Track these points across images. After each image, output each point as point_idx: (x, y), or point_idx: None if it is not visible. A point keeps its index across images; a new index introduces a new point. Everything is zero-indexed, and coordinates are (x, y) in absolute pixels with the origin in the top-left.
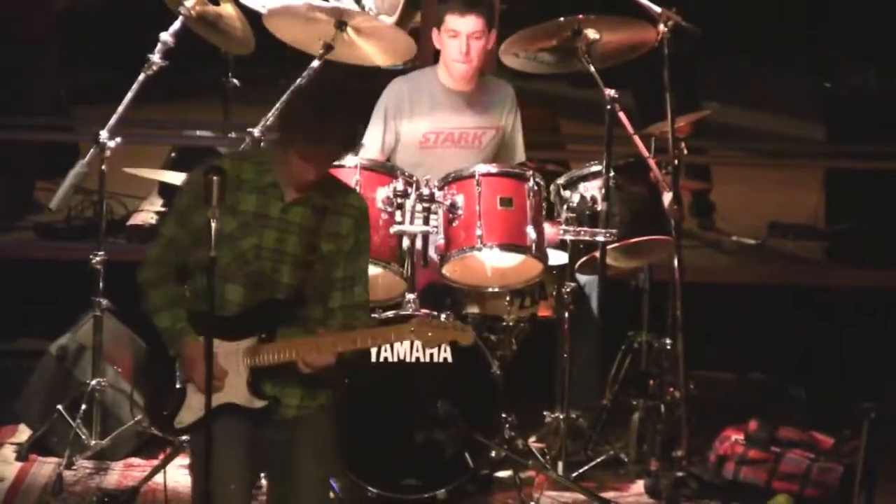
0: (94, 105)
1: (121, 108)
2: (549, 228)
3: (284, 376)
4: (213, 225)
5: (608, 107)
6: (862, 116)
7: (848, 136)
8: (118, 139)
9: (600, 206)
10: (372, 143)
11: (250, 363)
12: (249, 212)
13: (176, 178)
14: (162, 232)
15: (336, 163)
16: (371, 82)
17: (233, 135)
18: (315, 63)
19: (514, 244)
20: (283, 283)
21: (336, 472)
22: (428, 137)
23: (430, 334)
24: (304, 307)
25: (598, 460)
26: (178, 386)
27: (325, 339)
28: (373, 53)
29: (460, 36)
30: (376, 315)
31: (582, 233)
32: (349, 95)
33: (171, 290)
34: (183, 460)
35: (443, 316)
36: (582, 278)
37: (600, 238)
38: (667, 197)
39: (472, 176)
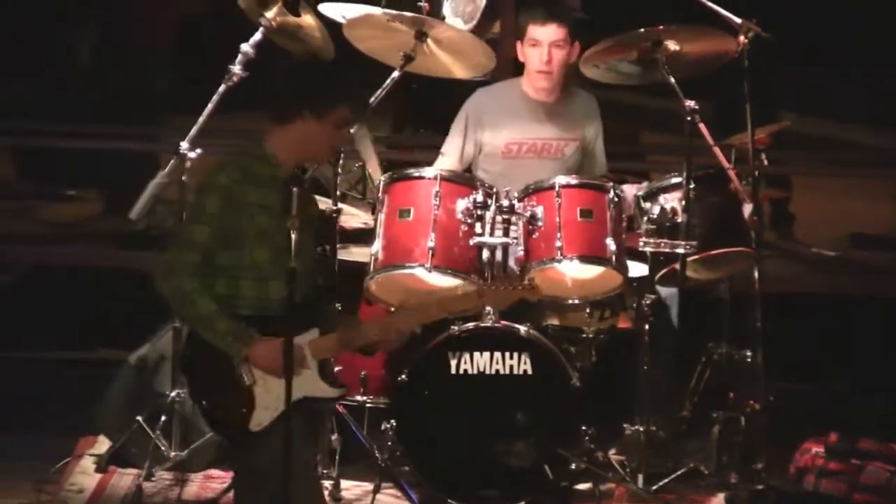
0: (177, 114)
1: (201, 119)
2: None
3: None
4: (294, 236)
5: (688, 118)
6: None
7: None
8: (198, 150)
9: (680, 218)
10: (451, 153)
11: (317, 355)
12: (276, 207)
13: None
14: (193, 238)
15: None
16: (452, 93)
17: None
18: (395, 74)
19: (594, 256)
20: (310, 272)
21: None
22: (511, 148)
23: (496, 297)
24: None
25: (678, 473)
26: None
27: (399, 317)
28: (452, 65)
29: (541, 45)
30: (455, 327)
31: (662, 244)
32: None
33: (212, 297)
34: None
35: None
36: (662, 290)
37: (680, 250)
38: (747, 208)
39: (552, 187)
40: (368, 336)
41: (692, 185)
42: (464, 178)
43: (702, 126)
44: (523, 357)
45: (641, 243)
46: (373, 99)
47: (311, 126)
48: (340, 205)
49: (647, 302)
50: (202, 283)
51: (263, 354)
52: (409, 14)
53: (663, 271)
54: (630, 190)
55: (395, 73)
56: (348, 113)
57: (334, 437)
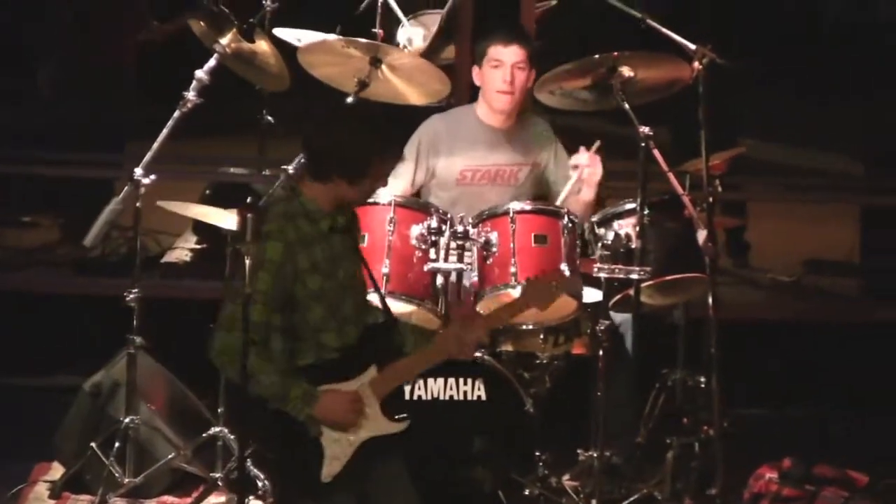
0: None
1: (155, 145)
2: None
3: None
4: (247, 261)
5: (642, 144)
6: None
7: (885, 172)
8: (153, 176)
9: (635, 244)
10: (402, 176)
11: (379, 393)
12: (326, 260)
13: (210, 214)
14: (252, 315)
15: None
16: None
17: (267, 172)
18: (349, 100)
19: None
20: (367, 310)
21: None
22: (465, 174)
23: (541, 300)
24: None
25: (633, 498)
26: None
27: (448, 335)
28: (407, 91)
29: (504, 66)
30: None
31: (616, 270)
32: (371, 109)
33: (272, 364)
34: (217, 498)
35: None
36: (617, 316)
37: (635, 276)
38: (701, 234)
39: (506, 213)
40: (443, 353)
41: (647, 211)
42: (418, 205)
43: (656, 152)
44: (477, 383)
45: (596, 269)
46: None
47: (344, 186)
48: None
49: (602, 328)
50: (260, 354)
51: (330, 407)
52: (363, 40)
53: (617, 297)
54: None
55: (350, 99)
56: (382, 170)
57: None
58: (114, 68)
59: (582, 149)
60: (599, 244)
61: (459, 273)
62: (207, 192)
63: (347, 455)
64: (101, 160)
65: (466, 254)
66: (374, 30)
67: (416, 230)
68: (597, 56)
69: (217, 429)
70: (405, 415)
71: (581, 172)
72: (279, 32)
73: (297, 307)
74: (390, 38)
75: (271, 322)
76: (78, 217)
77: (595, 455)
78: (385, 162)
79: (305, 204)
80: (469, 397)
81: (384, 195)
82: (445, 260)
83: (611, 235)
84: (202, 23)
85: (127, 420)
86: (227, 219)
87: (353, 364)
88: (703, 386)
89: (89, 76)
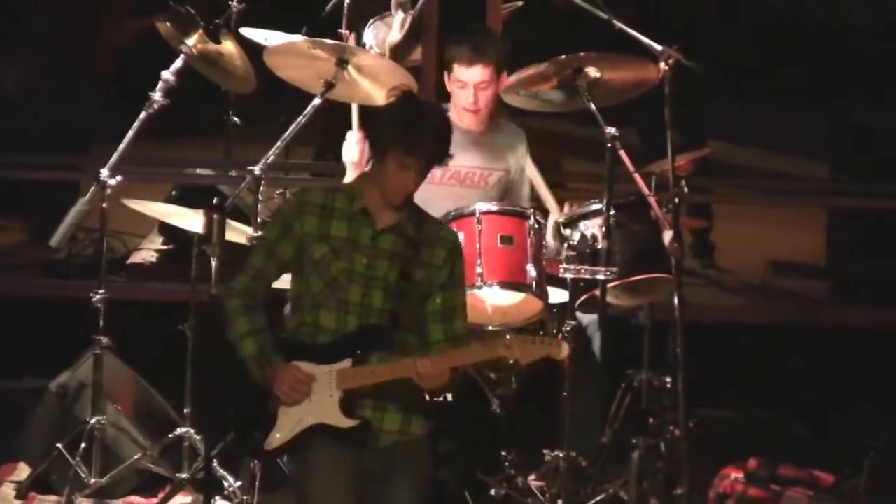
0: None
1: (122, 146)
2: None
3: (382, 404)
4: (213, 262)
5: (609, 145)
6: (866, 155)
7: (851, 175)
8: (119, 177)
9: (601, 245)
10: None
11: (343, 385)
12: (341, 237)
13: (176, 215)
14: (250, 262)
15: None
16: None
17: (234, 173)
18: (316, 101)
19: (514, 282)
20: (374, 308)
21: (459, 488)
22: (434, 174)
23: (524, 350)
24: (399, 333)
25: (599, 498)
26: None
27: (433, 359)
28: (373, 92)
29: (468, 87)
30: None
31: (582, 271)
32: (436, 109)
33: (256, 318)
34: (184, 498)
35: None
36: (583, 317)
37: (601, 276)
38: (667, 235)
39: (472, 214)
40: (410, 373)
41: (613, 212)
42: None
43: (622, 153)
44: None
45: (562, 270)
46: (293, 127)
47: (377, 169)
48: (261, 232)
49: (568, 328)
50: (248, 303)
51: (278, 381)
52: (329, 41)
53: (583, 298)
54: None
55: (316, 101)
56: (402, 156)
57: (254, 463)
58: (84, 71)
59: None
60: (565, 245)
61: None
62: (174, 193)
63: (293, 433)
64: (67, 163)
65: None
66: (340, 30)
67: None
68: (563, 57)
69: (183, 429)
70: (361, 417)
71: None
72: (246, 32)
73: (300, 272)
74: (358, 39)
75: (266, 271)
76: (43, 219)
77: (561, 455)
78: (402, 153)
79: (354, 185)
80: (436, 398)
81: None
82: None
83: (577, 236)
84: (168, 24)
85: (93, 420)
86: (193, 220)
87: (337, 352)
88: (668, 387)
89: (59, 78)
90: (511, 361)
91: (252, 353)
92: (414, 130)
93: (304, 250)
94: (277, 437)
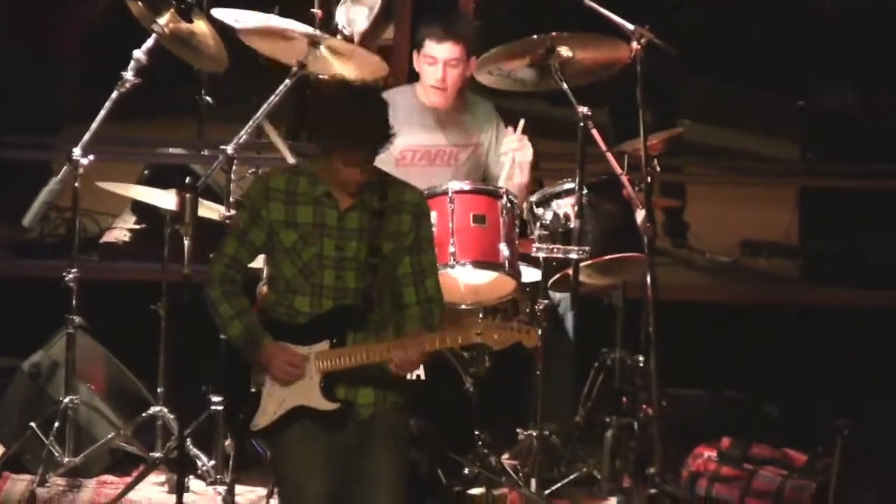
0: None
1: (94, 126)
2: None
3: (357, 379)
4: (186, 242)
5: (581, 124)
6: (836, 135)
7: (822, 155)
8: (91, 157)
9: (573, 224)
10: None
11: (322, 367)
12: (307, 223)
13: (149, 194)
14: (225, 251)
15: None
16: None
17: (206, 152)
18: (288, 81)
19: (487, 261)
20: (349, 289)
21: (431, 466)
22: (405, 155)
23: (496, 336)
24: (373, 310)
25: (572, 477)
26: (252, 391)
27: (402, 342)
28: (344, 70)
29: (437, 63)
30: None
31: (555, 250)
32: (374, 92)
33: (239, 302)
34: (157, 477)
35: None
36: (555, 296)
37: (573, 255)
38: (640, 214)
39: (444, 193)
40: (384, 356)
41: (585, 192)
42: None
43: (595, 132)
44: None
45: (534, 249)
46: (265, 107)
47: (326, 162)
48: (233, 211)
49: (541, 307)
50: (228, 289)
51: (272, 359)
52: (300, 27)
53: (556, 276)
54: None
55: (288, 81)
56: (345, 154)
57: (228, 442)
58: (53, 50)
59: (509, 129)
60: (538, 224)
61: None
62: (146, 172)
63: (276, 414)
64: (37, 142)
65: None
66: (312, 10)
67: None
68: (535, 36)
69: (156, 408)
70: (341, 400)
71: (513, 157)
72: (217, 13)
73: (274, 255)
74: (329, 18)
75: (239, 257)
76: (13, 199)
77: (534, 434)
78: (345, 151)
79: (314, 167)
80: (408, 376)
81: None
82: None
83: (549, 215)
84: (140, 2)
85: (66, 400)
86: (166, 199)
87: (313, 333)
88: (641, 366)
89: (27, 58)
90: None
91: (240, 335)
92: (350, 129)
93: (274, 236)
94: (262, 419)
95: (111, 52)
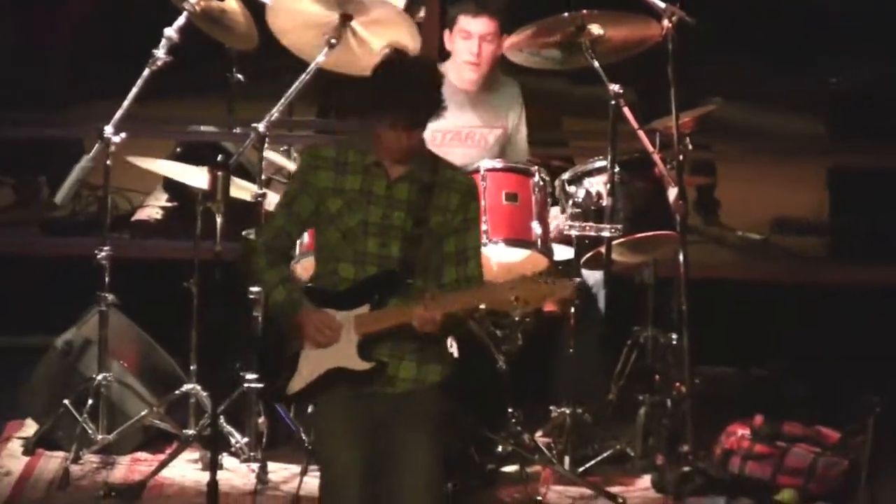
0: (100, 100)
1: (125, 104)
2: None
3: (399, 349)
4: (219, 219)
5: (612, 102)
6: (864, 113)
7: (850, 133)
8: (123, 134)
9: (605, 202)
10: None
11: (360, 330)
12: (354, 190)
13: (180, 172)
14: (273, 222)
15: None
16: None
17: (237, 130)
18: (319, 58)
19: (519, 239)
20: (393, 258)
21: (444, 449)
22: (436, 136)
23: (531, 292)
24: (413, 278)
25: (605, 455)
26: (288, 357)
27: (430, 300)
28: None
29: (472, 37)
30: None
31: (587, 228)
32: (422, 64)
33: (282, 270)
34: (190, 454)
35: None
36: (587, 274)
37: (605, 233)
38: (671, 192)
39: (477, 171)
40: (400, 319)
41: (617, 170)
42: None
43: (626, 110)
44: (449, 341)
45: (567, 227)
46: (296, 85)
47: (377, 131)
48: (265, 189)
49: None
50: (272, 258)
51: (306, 324)
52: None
53: (588, 255)
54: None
55: (320, 58)
56: (390, 117)
57: (261, 419)
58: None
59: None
60: (570, 202)
61: None
62: (177, 150)
63: (312, 377)
64: (65, 120)
65: None
66: None
67: None
68: (566, 14)
69: (189, 386)
70: (377, 360)
71: None
72: None
73: (319, 226)
74: None
75: (287, 229)
76: (44, 177)
77: (567, 412)
78: (390, 115)
79: (365, 139)
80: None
81: None
82: None
83: (581, 193)
84: None
85: (99, 377)
86: (198, 176)
87: (354, 298)
88: (673, 344)
89: (31, 37)
90: (517, 318)
91: (281, 301)
92: (398, 91)
93: (321, 205)
94: (298, 383)
95: (137, 28)
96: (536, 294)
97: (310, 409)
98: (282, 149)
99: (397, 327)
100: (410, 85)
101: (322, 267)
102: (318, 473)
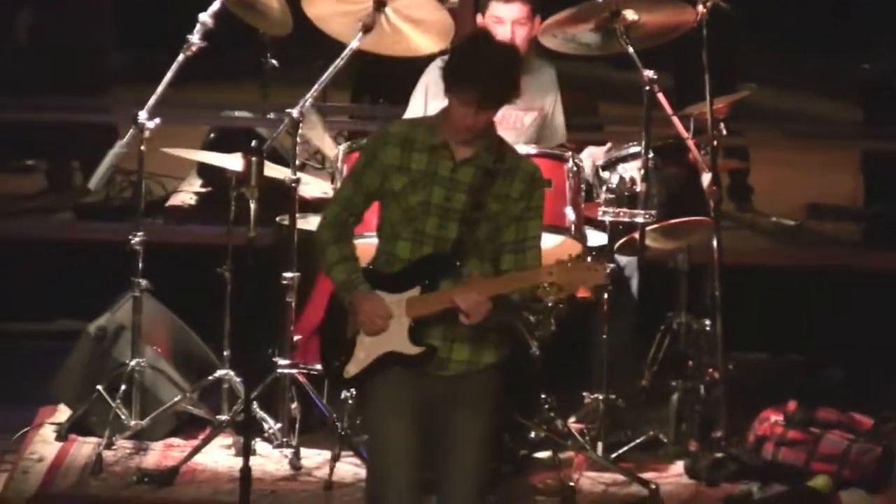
0: (134, 86)
1: (160, 89)
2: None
3: (452, 332)
4: (252, 204)
5: (647, 88)
6: None
7: (885, 118)
8: (157, 120)
9: (639, 188)
10: None
11: (411, 313)
12: (419, 170)
13: (214, 158)
14: (341, 193)
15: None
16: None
17: (271, 115)
18: (354, 44)
19: (553, 225)
20: (450, 239)
21: (496, 430)
22: None
23: (566, 277)
24: (464, 261)
25: (638, 441)
26: (348, 338)
27: (471, 283)
28: (411, 35)
29: (504, 22)
30: None
31: (621, 214)
32: (504, 46)
33: (346, 247)
34: (223, 440)
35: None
36: (621, 259)
37: (639, 219)
38: (705, 178)
39: None
40: (446, 304)
41: (651, 155)
42: None
43: (660, 96)
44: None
45: (600, 213)
46: (330, 70)
47: (448, 104)
48: (299, 174)
49: (607, 271)
50: (338, 233)
51: (359, 308)
52: None
53: (622, 241)
54: (589, 159)
55: (354, 44)
56: (460, 92)
57: (294, 405)
58: (92, 12)
59: None
60: (604, 188)
61: None
62: (211, 136)
63: (366, 361)
64: (97, 105)
65: None
66: None
67: None
68: (600, 0)
69: (223, 372)
70: (428, 345)
71: None
72: None
73: (384, 201)
74: None
75: (355, 200)
76: (78, 162)
77: (600, 398)
78: (464, 90)
79: (436, 118)
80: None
81: None
82: None
83: (615, 179)
84: None
85: (133, 363)
86: (232, 162)
87: (406, 281)
88: (707, 330)
89: (67, 20)
90: (549, 304)
91: (340, 281)
92: (472, 68)
93: (386, 181)
94: (354, 367)
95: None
96: (572, 279)
97: (343, 395)
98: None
99: (448, 311)
100: (490, 64)
101: (382, 245)
102: (351, 459)
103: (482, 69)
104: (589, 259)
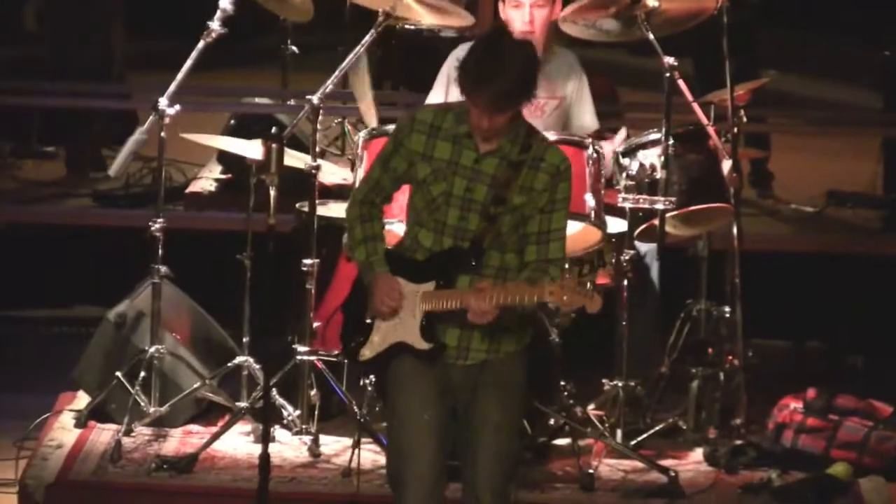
0: (154, 72)
1: (180, 76)
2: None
3: (469, 327)
4: (272, 192)
5: (667, 75)
6: None
7: None
8: (177, 106)
9: (659, 174)
10: None
11: (425, 307)
12: (443, 159)
13: (234, 144)
14: (371, 175)
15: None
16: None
17: (291, 102)
18: (373, 31)
19: (573, 212)
20: (470, 231)
21: (521, 416)
22: None
23: (565, 298)
24: (482, 256)
25: (657, 428)
26: (367, 321)
27: (481, 290)
28: (430, 20)
29: (523, 6)
30: None
31: (641, 200)
32: (518, 45)
33: (371, 227)
34: (243, 427)
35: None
36: (641, 246)
37: (659, 206)
38: (726, 165)
39: None
40: (460, 304)
41: (671, 142)
42: None
43: (681, 83)
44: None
45: (620, 199)
46: (350, 56)
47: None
48: (319, 161)
49: (626, 258)
50: (366, 212)
51: (375, 290)
52: None
53: (642, 227)
54: (608, 147)
55: (374, 31)
56: (475, 98)
57: (313, 392)
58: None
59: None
60: (624, 174)
61: None
62: (231, 122)
63: (381, 347)
64: (118, 92)
65: None
66: None
67: None
68: None
69: (242, 358)
70: (439, 342)
71: None
72: None
73: (412, 187)
74: None
75: (382, 182)
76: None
77: (619, 385)
78: (475, 96)
79: (464, 107)
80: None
81: None
82: None
83: (635, 166)
84: None
85: (152, 349)
86: (252, 149)
87: (426, 272)
88: (726, 317)
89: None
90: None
91: (361, 261)
92: (485, 74)
93: (412, 167)
94: (367, 351)
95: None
96: (569, 300)
97: (362, 382)
98: (336, 121)
99: (459, 310)
100: (502, 70)
101: (409, 229)
102: (370, 446)
103: (494, 76)
104: (589, 286)
